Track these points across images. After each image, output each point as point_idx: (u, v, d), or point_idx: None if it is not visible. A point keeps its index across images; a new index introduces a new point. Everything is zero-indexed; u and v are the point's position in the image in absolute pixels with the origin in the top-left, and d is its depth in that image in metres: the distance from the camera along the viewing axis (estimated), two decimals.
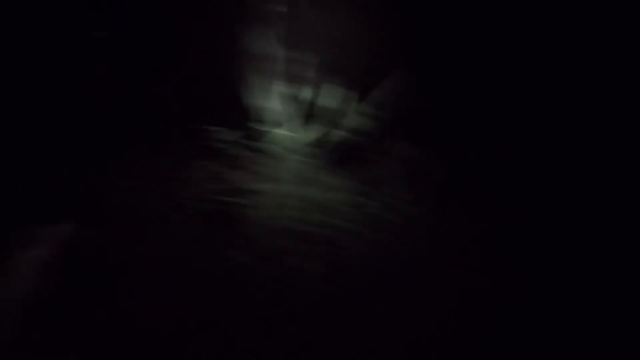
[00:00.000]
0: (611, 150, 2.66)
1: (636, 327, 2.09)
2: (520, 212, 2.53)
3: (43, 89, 2.60)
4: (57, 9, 2.67)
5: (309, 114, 2.96)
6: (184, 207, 2.56)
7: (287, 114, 2.95)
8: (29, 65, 2.61)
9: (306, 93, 2.96)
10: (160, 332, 2.20)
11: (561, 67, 2.85)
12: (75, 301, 2.26)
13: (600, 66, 2.77)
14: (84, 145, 2.59)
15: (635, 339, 2.06)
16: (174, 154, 2.72)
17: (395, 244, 2.48)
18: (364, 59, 2.94)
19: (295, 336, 2.21)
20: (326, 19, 2.96)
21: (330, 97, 2.96)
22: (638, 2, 2.71)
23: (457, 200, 2.61)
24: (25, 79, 2.59)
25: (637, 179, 2.54)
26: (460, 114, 2.88)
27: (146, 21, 2.79)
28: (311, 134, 2.95)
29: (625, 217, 2.44)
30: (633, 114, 2.70)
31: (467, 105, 2.90)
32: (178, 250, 2.41)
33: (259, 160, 2.83)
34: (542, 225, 2.49)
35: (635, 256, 2.30)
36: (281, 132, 2.94)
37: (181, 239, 2.45)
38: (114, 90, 2.65)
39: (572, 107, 2.80)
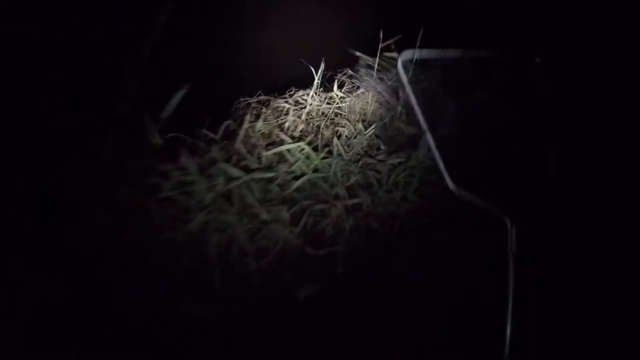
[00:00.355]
0: (613, 150, 2.59)
1: (636, 327, 2.08)
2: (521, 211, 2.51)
3: (43, 89, 2.60)
4: (57, 9, 2.67)
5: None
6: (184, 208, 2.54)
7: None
8: (29, 65, 2.61)
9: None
10: (160, 332, 2.19)
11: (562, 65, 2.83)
12: (75, 301, 2.26)
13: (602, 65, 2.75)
14: (82, 145, 2.58)
15: (636, 339, 2.06)
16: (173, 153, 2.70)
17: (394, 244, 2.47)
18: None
19: (295, 336, 2.20)
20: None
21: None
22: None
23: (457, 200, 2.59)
24: (25, 79, 2.59)
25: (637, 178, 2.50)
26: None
27: (146, 21, 2.79)
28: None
29: (627, 217, 2.41)
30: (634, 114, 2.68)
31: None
32: (177, 251, 2.41)
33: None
34: (543, 225, 2.48)
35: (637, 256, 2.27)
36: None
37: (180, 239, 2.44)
38: (114, 90, 2.64)
39: (573, 106, 2.80)
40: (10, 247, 2.33)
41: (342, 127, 2.61)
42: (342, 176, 2.46)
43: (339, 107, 2.68)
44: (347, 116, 2.66)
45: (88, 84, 2.66)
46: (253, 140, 2.52)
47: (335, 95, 2.69)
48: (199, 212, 2.32)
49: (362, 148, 2.55)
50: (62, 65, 2.68)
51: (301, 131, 2.58)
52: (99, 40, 2.71)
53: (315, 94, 2.68)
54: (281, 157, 2.48)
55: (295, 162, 2.45)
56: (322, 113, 2.65)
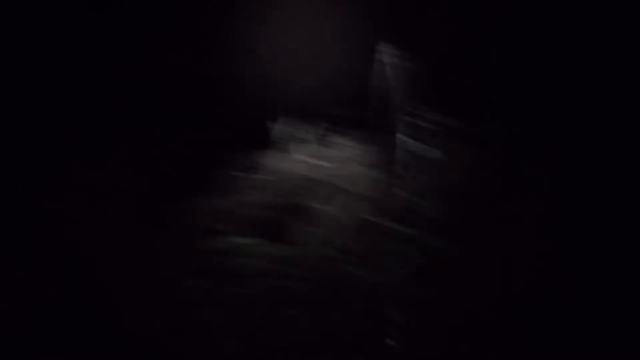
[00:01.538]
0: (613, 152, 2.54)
1: (636, 327, 2.07)
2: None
3: (43, 89, 2.59)
4: (57, 9, 2.66)
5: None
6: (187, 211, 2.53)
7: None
8: (29, 65, 2.61)
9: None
10: (159, 332, 2.19)
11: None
12: (75, 301, 2.26)
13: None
14: (82, 144, 2.57)
15: (635, 339, 2.05)
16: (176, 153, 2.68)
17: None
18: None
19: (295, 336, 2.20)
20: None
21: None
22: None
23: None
24: (25, 79, 2.58)
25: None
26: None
27: (146, 21, 2.78)
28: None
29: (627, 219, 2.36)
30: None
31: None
32: (177, 252, 2.40)
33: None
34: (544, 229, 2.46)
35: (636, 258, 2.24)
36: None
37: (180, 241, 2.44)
38: (114, 90, 2.63)
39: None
40: (10, 247, 2.33)
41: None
42: None
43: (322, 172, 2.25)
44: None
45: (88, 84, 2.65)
46: None
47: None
48: None
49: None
50: (62, 66, 2.68)
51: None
52: (99, 40, 2.70)
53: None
54: None
55: None
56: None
